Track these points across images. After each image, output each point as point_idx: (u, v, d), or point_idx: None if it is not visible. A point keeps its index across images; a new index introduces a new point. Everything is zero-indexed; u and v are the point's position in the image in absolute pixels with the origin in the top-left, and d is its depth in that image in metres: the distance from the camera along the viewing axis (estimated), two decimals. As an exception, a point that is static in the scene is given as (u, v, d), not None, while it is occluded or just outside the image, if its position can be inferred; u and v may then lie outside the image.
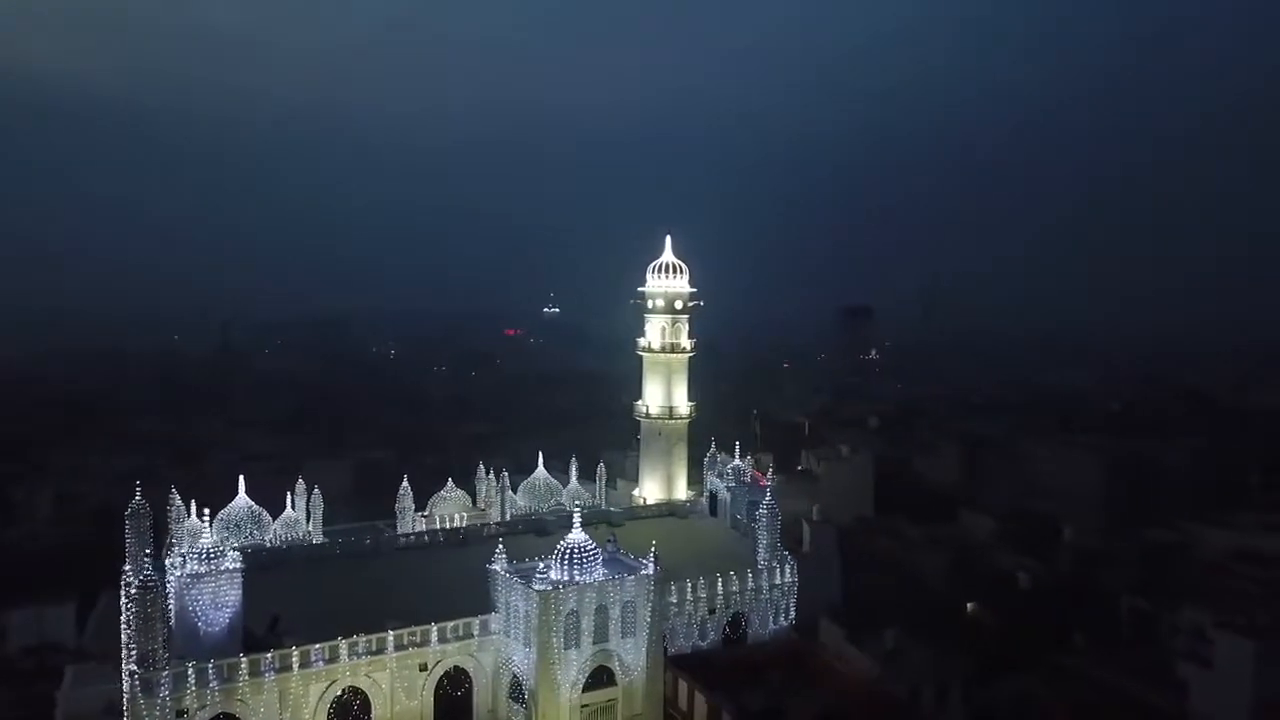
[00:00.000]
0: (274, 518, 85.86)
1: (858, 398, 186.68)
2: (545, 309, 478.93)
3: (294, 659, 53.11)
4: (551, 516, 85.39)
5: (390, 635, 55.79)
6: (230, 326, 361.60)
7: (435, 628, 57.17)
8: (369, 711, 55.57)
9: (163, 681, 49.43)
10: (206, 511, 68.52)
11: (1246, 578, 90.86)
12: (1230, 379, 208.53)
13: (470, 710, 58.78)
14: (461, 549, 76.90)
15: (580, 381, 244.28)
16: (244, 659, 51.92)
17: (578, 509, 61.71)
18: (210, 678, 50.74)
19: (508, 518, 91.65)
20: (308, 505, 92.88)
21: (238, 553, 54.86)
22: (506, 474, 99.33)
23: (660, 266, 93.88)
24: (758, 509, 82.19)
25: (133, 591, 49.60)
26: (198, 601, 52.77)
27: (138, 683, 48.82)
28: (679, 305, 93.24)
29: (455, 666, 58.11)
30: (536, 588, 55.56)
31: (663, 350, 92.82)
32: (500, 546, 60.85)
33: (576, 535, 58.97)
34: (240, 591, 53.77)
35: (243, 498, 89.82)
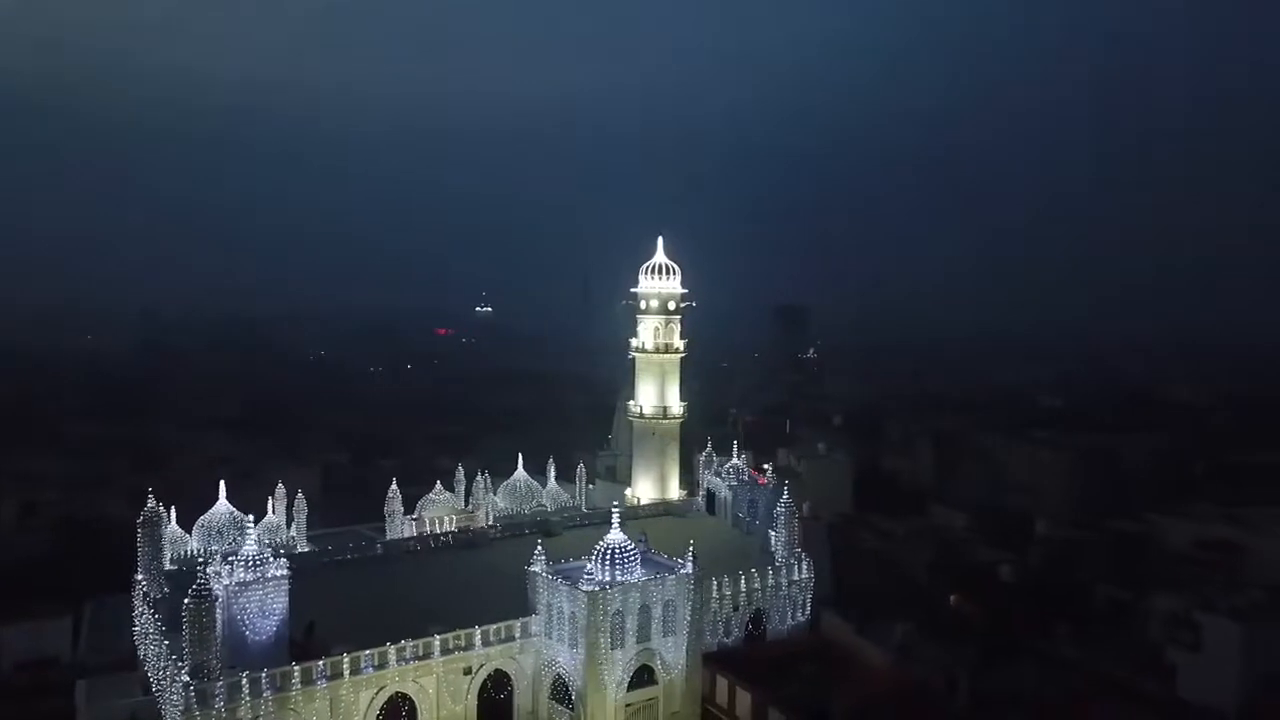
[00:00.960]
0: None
1: (806, 397, 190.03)
2: (477, 308, 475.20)
3: (345, 666, 52.50)
4: (556, 517, 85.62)
5: (436, 640, 55.50)
6: (152, 325, 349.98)
7: (479, 631, 57.04)
8: (415, 717, 55.23)
9: (217, 692, 48.41)
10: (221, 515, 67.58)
11: (1213, 565, 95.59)
12: (1173, 376, 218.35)
13: (511, 712, 58.79)
14: (472, 551, 77.07)
15: (531, 381, 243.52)
16: (296, 667, 51.18)
17: (615, 510, 61.86)
18: (264, 686, 49.91)
19: (490, 520, 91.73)
20: (287, 510, 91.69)
21: (284, 559, 53.76)
22: (488, 475, 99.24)
23: (653, 268, 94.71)
24: (757, 506, 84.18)
25: (187, 601, 48.34)
26: (245, 610, 51.79)
27: (193, 693, 47.70)
28: (672, 306, 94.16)
29: (497, 669, 58.04)
30: (584, 589, 55.85)
31: (656, 351, 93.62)
32: (539, 548, 60.91)
33: (616, 535, 59.40)
34: (286, 599, 52.94)
35: (223, 503, 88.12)
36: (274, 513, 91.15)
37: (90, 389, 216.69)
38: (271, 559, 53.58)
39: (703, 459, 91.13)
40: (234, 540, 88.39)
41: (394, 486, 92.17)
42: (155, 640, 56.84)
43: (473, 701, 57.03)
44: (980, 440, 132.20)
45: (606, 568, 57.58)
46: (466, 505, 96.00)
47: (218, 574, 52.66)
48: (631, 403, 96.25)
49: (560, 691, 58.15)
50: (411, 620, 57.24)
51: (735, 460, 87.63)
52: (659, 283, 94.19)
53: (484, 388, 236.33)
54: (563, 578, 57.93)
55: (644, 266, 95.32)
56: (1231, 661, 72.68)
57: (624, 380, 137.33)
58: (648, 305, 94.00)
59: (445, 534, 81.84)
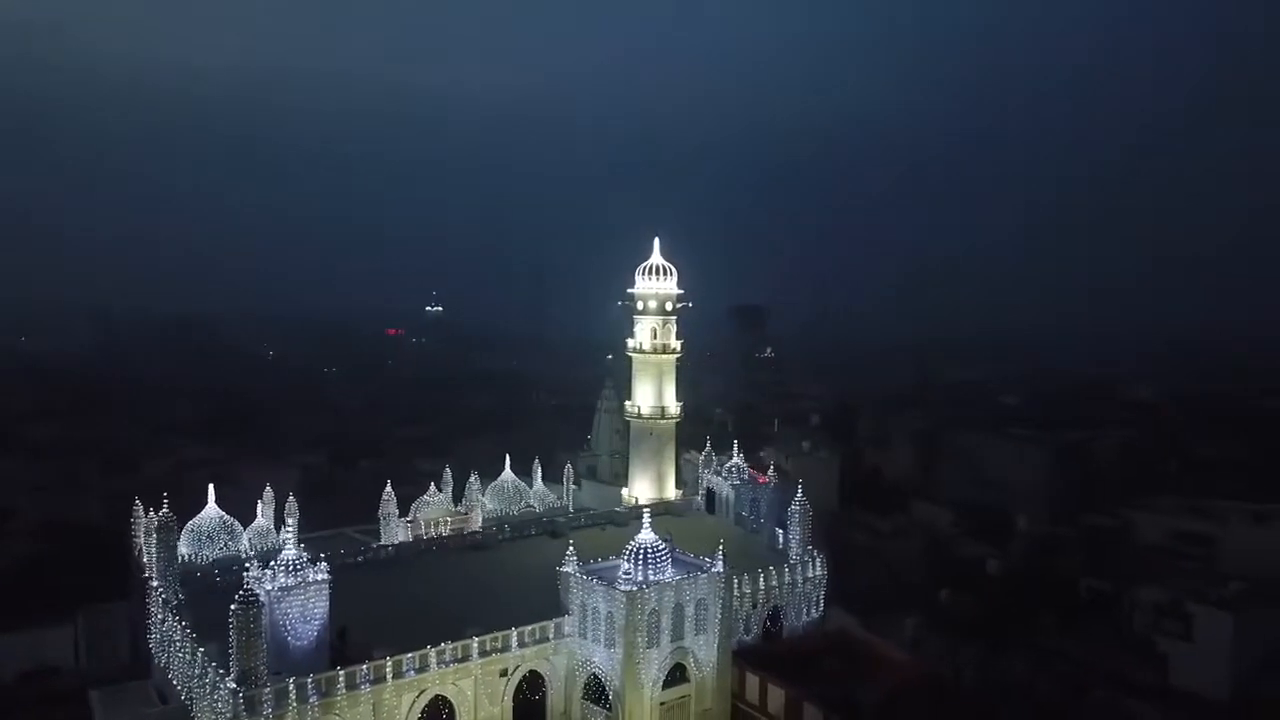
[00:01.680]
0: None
1: (775, 396, 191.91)
2: (428, 308, 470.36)
3: (388, 669, 52.32)
4: (562, 518, 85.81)
5: (474, 642, 55.53)
6: (99, 324, 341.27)
7: (515, 632, 57.19)
8: (453, 719, 55.18)
9: (265, 699, 47.99)
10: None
11: (1188, 556, 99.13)
12: (1129, 374, 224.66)
13: (545, 713, 58.98)
14: (482, 553, 77.06)
15: (494, 381, 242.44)
16: (341, 671, 50.90)
17: (646, 510, 62.56)
18: (309, 692, 49.57)
19: (480, 522, 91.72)
20: (274, 514, 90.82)
21: (325, 564, 53.35)
22: (478, 476, 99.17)
23: (649, 268, 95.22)
24: (759, 505, 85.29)
25: (233, 607, 47.81)
26: (287, 615, 51.34)
27: (241, 701, 47.22)
28: (669, 307, 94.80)
29: (531, 670, 58.21)
30: (623, 588, 56.29)
31: (654, 351, 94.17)
32: (571, 547, 61.22)
33: (647, 535, 59.98)
34: (327, 603, 52.60)
35: (213, 507, 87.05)
36: (261, 516, 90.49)
37: (42, 389, 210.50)
38: (310, 563, 53.07)
39: (702, 458, 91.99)
40: (226, 545, 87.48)
41: (388, 489, 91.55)
42: (182, 647, 55.89)
43: (509, 703, 57.20)
44: (955, 437, 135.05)
45: (639, 567, 58.08)
46: (458, 506, 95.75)
47: (257, 579, 52.07)
48: (628, 403, 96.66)
49: (594, 691, 58.53)
50: (440, 623, 57.24)
51: (736, 459, 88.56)
52: (656, 283, 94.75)
53: (448, 388, 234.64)
54: (597, 578, 58.26)
55: (640, 267, 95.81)
56: (1223, 650, 75.62)
57: (605, 380, 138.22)
58: (645, 306, 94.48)
59: (455, 536, 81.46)
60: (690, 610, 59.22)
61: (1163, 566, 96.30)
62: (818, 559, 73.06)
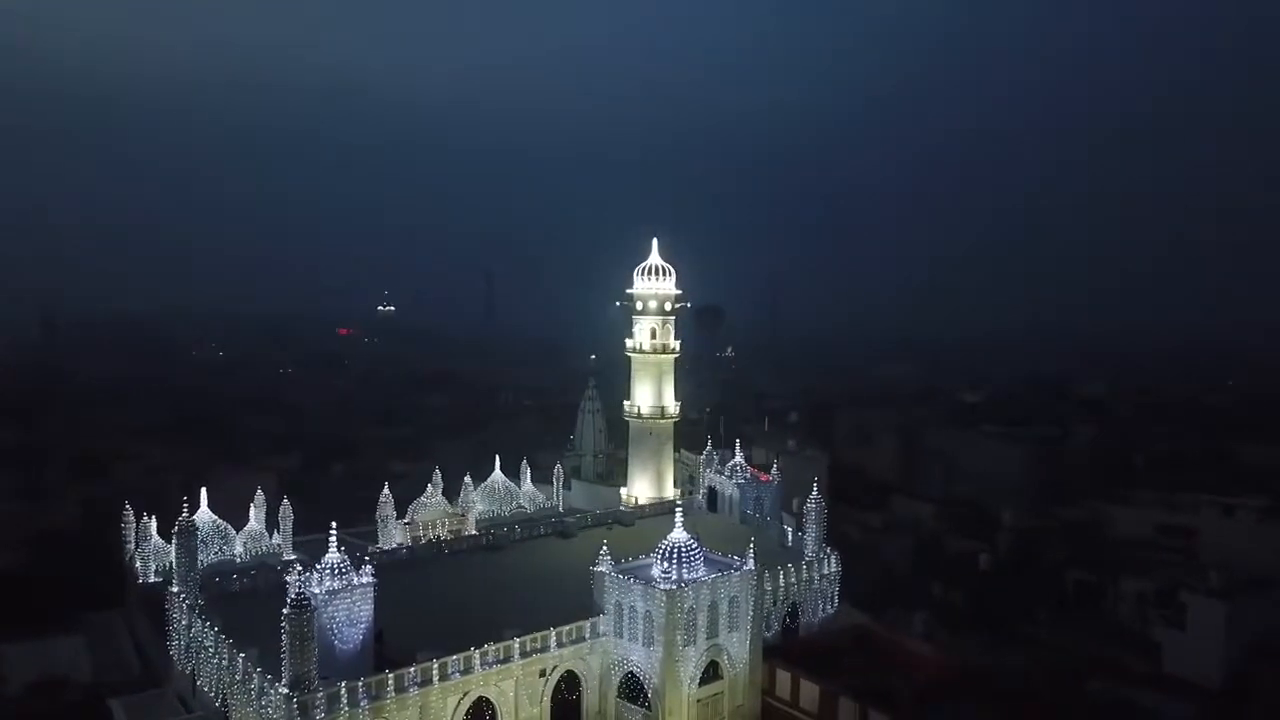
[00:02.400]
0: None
1: (746, 395, 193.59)
2: (379, 307, 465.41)
3: (434, 672, 52.15)
4: (571, 518, 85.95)
5: (516, 643, 55.53)
6: (45, 323, 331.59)
7: (554, 633, 57.31)
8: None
9: (318, 704, 47.55)
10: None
11: (1170, 548, 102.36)
12: (1081, 373, 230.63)
13: (580, 713, 59.17)
14: (498, 554, 77.10)
15: (457, 381, 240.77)
16: (390, 675, 50.63)
17: (678, 508, 62.88)
18: (360, 696, 49.23)
19: (474, 523, 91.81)
20: (266, 517, 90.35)
21: (370, 567, 52.95)
22: (470, 478, 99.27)
23: (648, 269, 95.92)
24: (763, 503, 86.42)
25: (286, 611, 47.25)
26: (334, 619, 50.89)
27: (295, 706, 46.74)
28: (668, 307, 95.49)
29: (568, 670, 58.37)
30: (662, 587, 56.72)
31: (654, 351, 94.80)
32: (604, 548, 61.28)
33: (679, 534, 60.45)
34: (372, 606, 52.25)
35: (205, 511, 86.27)
36: (254, 520, 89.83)
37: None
38: (354, 566, 52.67)
39: (703, 458, 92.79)
40: (220, 550, 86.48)
41: (386, 491, 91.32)
42: (217, 653, 55.05)
43: (547, 703, 57.28)
44: (930, 435, 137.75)
45: (674, 566, 58.56)
46: (453, 508, 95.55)
47: (300, 583, 51.47)
48: (627, 403, 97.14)
49: (630, 690, 58.86)
50: (473, 624, 57.09)
51: (738, 458, 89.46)
52: (655, 284, 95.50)
53: (411, 388, 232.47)
54: (634, 577, 58.62)
55: (639, 268, 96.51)
56: (1217, 638, 78.10)
57: (589, 380, 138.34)
58: (645, 306, 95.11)
59: (468, 537, 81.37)
60: (724, 608, 59.85)
61: (1146, 558, 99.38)
62: (832, 555, 74.15)
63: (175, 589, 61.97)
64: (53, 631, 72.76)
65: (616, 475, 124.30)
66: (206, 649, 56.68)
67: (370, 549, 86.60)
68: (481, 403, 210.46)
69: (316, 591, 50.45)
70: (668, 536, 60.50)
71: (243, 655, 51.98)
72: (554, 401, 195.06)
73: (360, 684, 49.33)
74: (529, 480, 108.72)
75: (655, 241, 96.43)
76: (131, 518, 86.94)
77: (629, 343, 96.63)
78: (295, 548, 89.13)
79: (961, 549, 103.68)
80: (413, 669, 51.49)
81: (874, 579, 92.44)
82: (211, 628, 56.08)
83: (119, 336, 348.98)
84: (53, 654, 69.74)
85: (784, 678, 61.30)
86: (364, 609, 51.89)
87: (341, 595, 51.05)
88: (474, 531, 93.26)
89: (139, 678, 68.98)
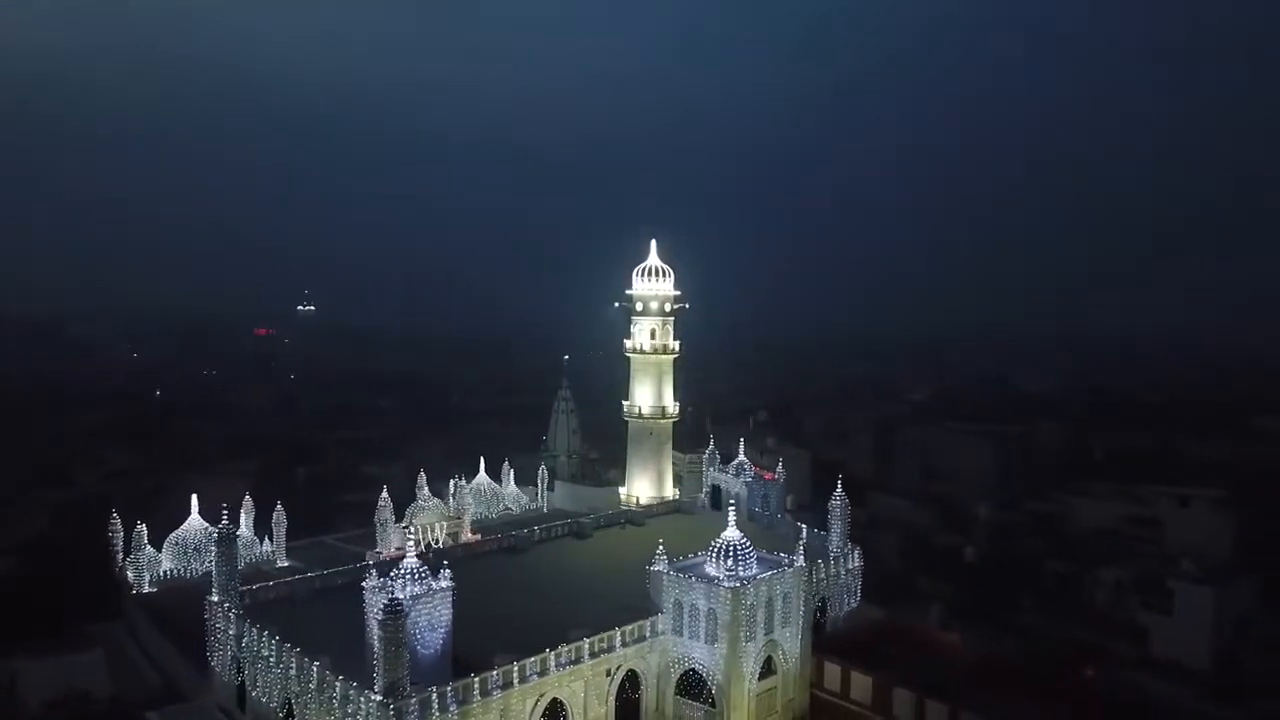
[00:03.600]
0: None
1: (701, 396, 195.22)
2: (299, 307, 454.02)
3: (514, 675, 52.20)
4: (589, 520, 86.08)
5: (586, 643, 55.89)
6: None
7: (619, 632, 57.82)
8: (563, 721, 55.51)
9: (411, 710, 47.26)
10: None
11: (1139, 538, 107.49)
12: (1019, 369, 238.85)
13: (639, 711, 59.76)
14: (519, 556, 77.30)
15: (396, 382, 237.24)
16: (475, 679, 50.54)
17: (732, 507, 64.02)
18: (449, 701, 49.04)
19: (469, 526, 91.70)
20: (254, 523, 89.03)
21: (448, 570, 52.63)
22: (462, 479, 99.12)
23: (647, 270, 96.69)
24: (769, 501, 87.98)
25: (381, 618, 46.83)
26: (415, 624, 50.45)
27: (392, 713, 46.37)
28: (668, 308, 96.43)
29: (630, 669, 58.92)
30: (727, 585, 57.71)
31: (654, 352, 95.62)
32: (660, 548, 61.85)
33: (732, 533, 61.52)
34: (451, 610, 51.99)
35: (196, 519, 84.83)
36: (245, 527, 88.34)
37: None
38: (432, 571, 52.33)
39: (706, 456, 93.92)
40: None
41: (384, 494, 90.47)
42: (281, 661, 54.02)
43: (612, 703, 57.76)
44: (901, 432, 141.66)
45: (734, 563, 59.60)
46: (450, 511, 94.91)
47: (377, 588, 51.01)
48: (627, 403, 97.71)
49: (688, 686, 59.68)
50: (519, 626, 57.57)
51: (741, 457, 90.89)
52: (655, 285, 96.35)
53: (350, 390, 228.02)
54: (694, 576, 59.47)
55: (637, 269, 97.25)
56: (1203, 622, 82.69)
57: (562, 381, 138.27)
58: (645, 307, 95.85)
59: (489, 540, 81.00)
60: (778, 604, 61.12)
61: (1119, 548, 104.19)
62: (855, 550, 76.08)
63: (216, 598, 60.49)
64: (66, 645, 69.81)
65: (590, 476, 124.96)
66: (264, 658, 55.49)
67: (369, 553, 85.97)
68: (435, 403, 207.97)
69: (401, 596, 49.94)
70: (722, 535, 61.49)
71: (317, 664, 51.17)
72: (511, 402, 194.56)
73: (449, 689, 49.11)
74: (513, 482, 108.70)
75: (654, 243, 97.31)
76: (119, 526, 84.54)
77: (628, 343, 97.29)
78: (288, 554, 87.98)
79: (945, 543, 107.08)
80: (495, 672, 51.44)
81: (868, 574, 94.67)
82: (271, 637, 54.97)
83: (25, 338, 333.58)
84: (71, 668, 67.00)
85: (832, 670, 62.82)
86: (444, 613, 51.59)
87: (423, 600, 50.65)
88: (470, 534, 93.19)
89: (161, 690, 66.90)
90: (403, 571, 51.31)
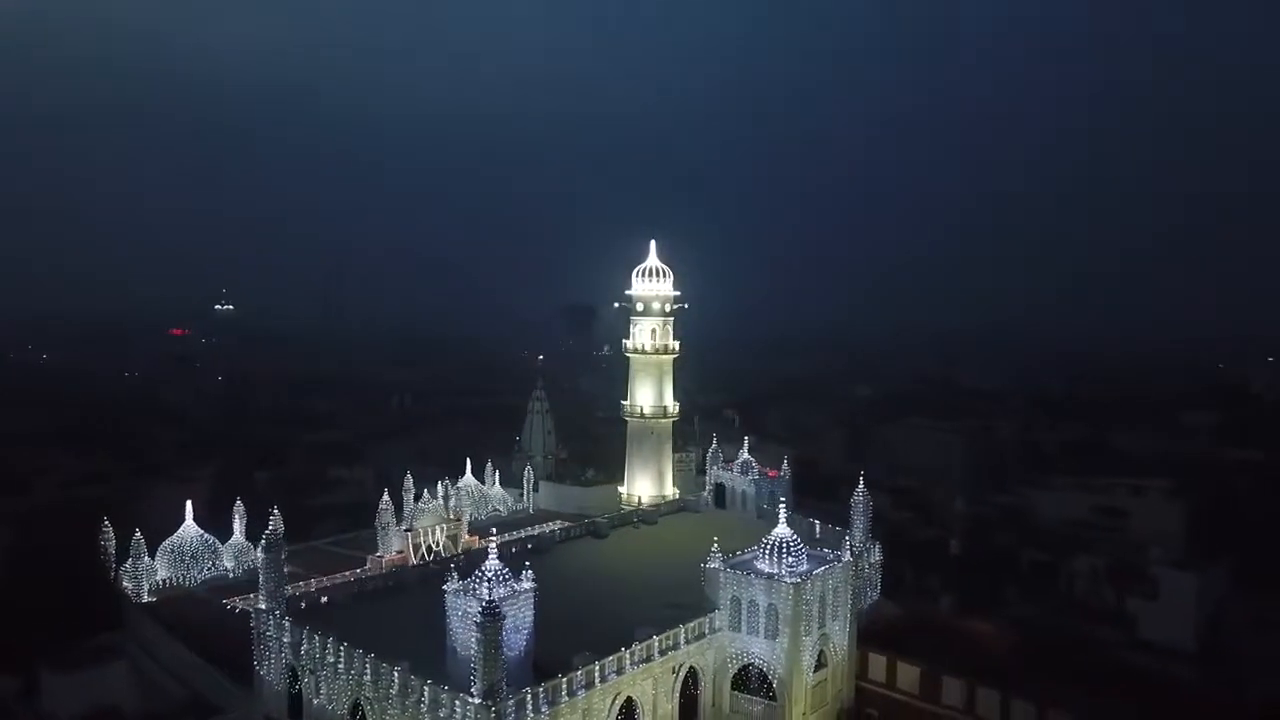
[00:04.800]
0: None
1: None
2: (217, 306, 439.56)
3: (596, 674, 52.47)
4: (605, 519, 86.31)
5: (655, 641, 56.43)
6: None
7: (682, 630, 58.48)
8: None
9: (509, 712, 47.21)
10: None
11: (1107, 527, 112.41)
12: (964, 369, 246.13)
13: (696, 707, 60.49)
14: (543, 556, 76.87)
15: (341, 384, 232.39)
16: (563, 679, 50.65)
17: (782, 504, 65.16)
18: (541, 702, 49.13)
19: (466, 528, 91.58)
20: (246, 529, 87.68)
21: (530, 571, 52.51)
22: (448, 481, 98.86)
23: (647, 270, 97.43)
24: (775, 498, 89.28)
25: (480, 620, 46.63)
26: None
27: (493, 715, 46.27)
28: (668, 308, 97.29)
29: (691, 666, 59.61)
30: (789, 581, 58.85)
31: (656, 352, 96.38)
32: (715, 545, 62.61)
33: (783, 529, 62.78)
34: (534, 612, 51.93)
35: (191, 526, 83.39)
36: (239, 533, 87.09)
37: None
38: (515, 573, 52.18)
39: (710, 454, 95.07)
40: (214, 565, 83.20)
41: (385, 497, 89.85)
42: (354, 668, 53.20)
43: (676, 699, 58.40)
44: (874, 428, 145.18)
45: (788, 560, 60.82)
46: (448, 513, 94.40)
47: (460, 591, 50.76)
48: (627, 403, 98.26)
49: (747, 682, 60.65)
50: (572, 627, 57.69)
51: (746, 455, 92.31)
52: (656, 285, 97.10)
53: (289, 391, 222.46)
54: (752, 572, 60.46)
55: (637, 270, 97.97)
56: (1188, 605, 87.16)
57: (537, 382, 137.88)
58: (646, 308, 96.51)
59: (513, 541, 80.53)
60: (830, 598, 62.52)
61: (1091, 537, 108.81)
62: (876, 545, 78.05)
63: (265, 605, 59.17)
64: (87, 659, 67.16)
65: (570, 475, 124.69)
66: (330, 664, 54.53)
67: (370, 557, 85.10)
68: (383, 405, 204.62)
69: (490, 599, 49.67)
70: (773, 532, 62.67)
71: (398, 668, 50.62)
72: (471, 403, 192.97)
73: (541, 689, 49.18)
74: (498, 483, 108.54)
75: (653, 244, 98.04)
76: (112, 535, 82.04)
77: (628, 343, 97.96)
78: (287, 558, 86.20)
79: (926, 537, 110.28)
80: (579, 672, 51.61)
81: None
82: (339, 642, 54.11)
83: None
84: (94, 682, 64.55)
85: (877, 661, 64.49)
86: (527, 615, 51.49)
87: (509, 602, 50.42)
88: (468, 536, 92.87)
89: (189, 703, 64.96)
90: (487, 573, 51.03)
